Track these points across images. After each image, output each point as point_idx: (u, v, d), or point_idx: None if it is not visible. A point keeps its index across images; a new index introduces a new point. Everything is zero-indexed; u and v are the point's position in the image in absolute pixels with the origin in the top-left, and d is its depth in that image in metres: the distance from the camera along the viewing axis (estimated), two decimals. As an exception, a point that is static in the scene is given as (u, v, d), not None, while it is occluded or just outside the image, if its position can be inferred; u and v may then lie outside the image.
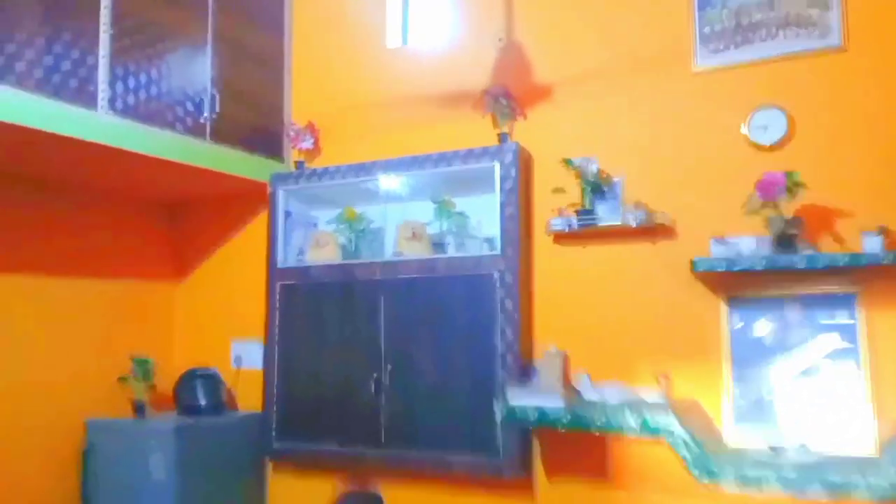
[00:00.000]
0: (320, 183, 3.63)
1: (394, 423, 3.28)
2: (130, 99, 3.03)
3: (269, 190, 3.75)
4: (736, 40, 2.94)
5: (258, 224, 3.94)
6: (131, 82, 3.04)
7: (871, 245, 2.49)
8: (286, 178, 3.75)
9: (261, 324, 3.68)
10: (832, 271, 2.60)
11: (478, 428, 3.08)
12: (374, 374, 3.33)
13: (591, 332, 3.12)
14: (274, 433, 3.56)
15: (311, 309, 3.55)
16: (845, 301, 2.68)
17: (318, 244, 3.62)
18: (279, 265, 3.67)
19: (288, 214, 3.78)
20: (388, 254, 3.48)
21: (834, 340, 2.68)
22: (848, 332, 2.67)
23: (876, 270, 2.56)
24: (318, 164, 3.83)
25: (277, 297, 3.64)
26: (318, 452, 3.45)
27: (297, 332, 3.58)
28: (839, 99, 2.78)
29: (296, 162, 3.88)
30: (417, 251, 3.36)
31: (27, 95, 2.63)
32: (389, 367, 3.31)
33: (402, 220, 3.45)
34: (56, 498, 3.39)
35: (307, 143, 3.84)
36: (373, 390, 3.32)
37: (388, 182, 3.52)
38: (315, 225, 3.89)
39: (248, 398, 3.81)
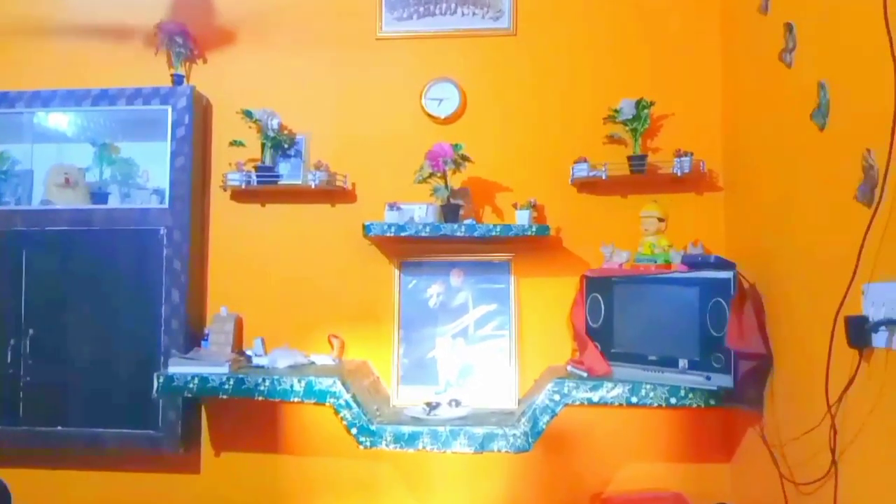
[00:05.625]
0: (-53, 111, 3.00)
1: (35, 396, 2.87)
2: None
3: None
4: (419, 10, 2.99)
5: None
6: None
7: (521, 218, 2.72)
8: None
9: None
10: (491, 240, 2.79)
11: (137, 401, 2.82)
12: (11, 341, 2.86)
13: (268, 295, 3.01)
14: None
15: (-70, 263, 2.94)
16: (501, 268, 2.91)
17: (-58, 185, 2.99)
18: None
19: None
20: (36, 202, 3.00)
21: (490, 303, 2.90)
22: (502, 296, 2.90)
23: (525, 241, 2.81)
24: (-53, 88, 3.15)
25: None
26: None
27: None
28: (507, 80, 2.97)
29: (-83, 83, 3.14)
30: (71, 200, 2.94)
31: None
32: (31, 332, 2.87)
33: (54, 164, 2.99)
34: None
35: (-68, 61, 3.14)
36: (8, 359, 2.86)
37: (38, 117, 3.02)
38: (-57, 162, 3.21)
39: None
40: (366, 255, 2.96)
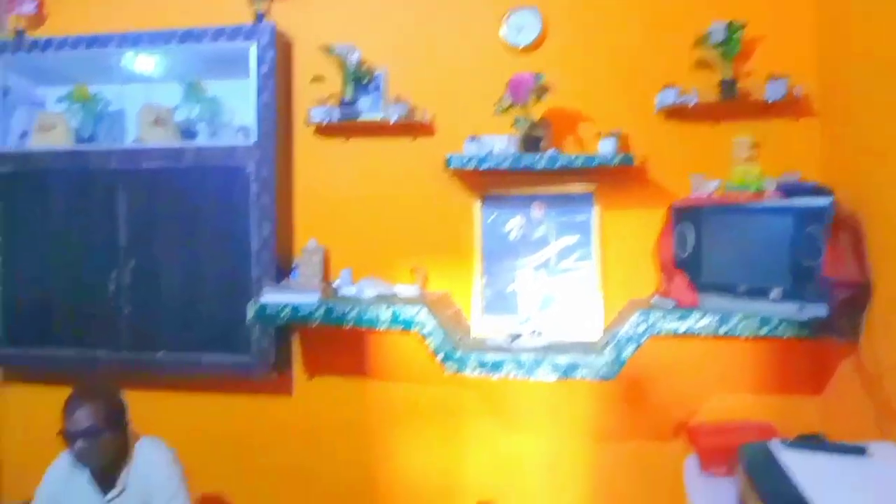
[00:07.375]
0: (44, 54, 3.12)
1: (136, 324, 3.04)
2: None
3: (-23, 59, 3.16)
4: (500, -63, 2.91)
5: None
6: None
7: (605, 147, 2.67)
8: (1, 48, 3.17)
9: (-27, 217, 3.16)
10: (573, 172, 2.76)
11: (230, 328, 2.94)
12: (113, 273, 3.03)
13: (352, 228, 3.07)
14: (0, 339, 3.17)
15: (37, 201, 3.11)
16: (583, 200, 2.87)
17: (43, 127, 3.14)
18: (-6, 149, 3.15)
19: (6, 91, 3.22)
20: (129, 140, 3.12)
21: (572, 236, 2.88)
22: (584, 228, 2.87)
23: (609, 171, 2.76)
24: (42, 33, 3.27)
25: (-7, 186, 3.14)
26: (51, 358, 3.11)
27: (21, 227, 3.14)
28: (590, 5, 2.88)
29: (15, 30, 3.28)
30: (162, 138, 3.04)
31: None
32: (131, 263, 3.03)
33: (145, 104, 3.09)
34: None
35: (28, 8, 3.28)
36: (111, 290, 3.03)
37: (128, 58, 3.11)
38: (42, 105, 3.36)
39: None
40: (447, 189, 2.97)
